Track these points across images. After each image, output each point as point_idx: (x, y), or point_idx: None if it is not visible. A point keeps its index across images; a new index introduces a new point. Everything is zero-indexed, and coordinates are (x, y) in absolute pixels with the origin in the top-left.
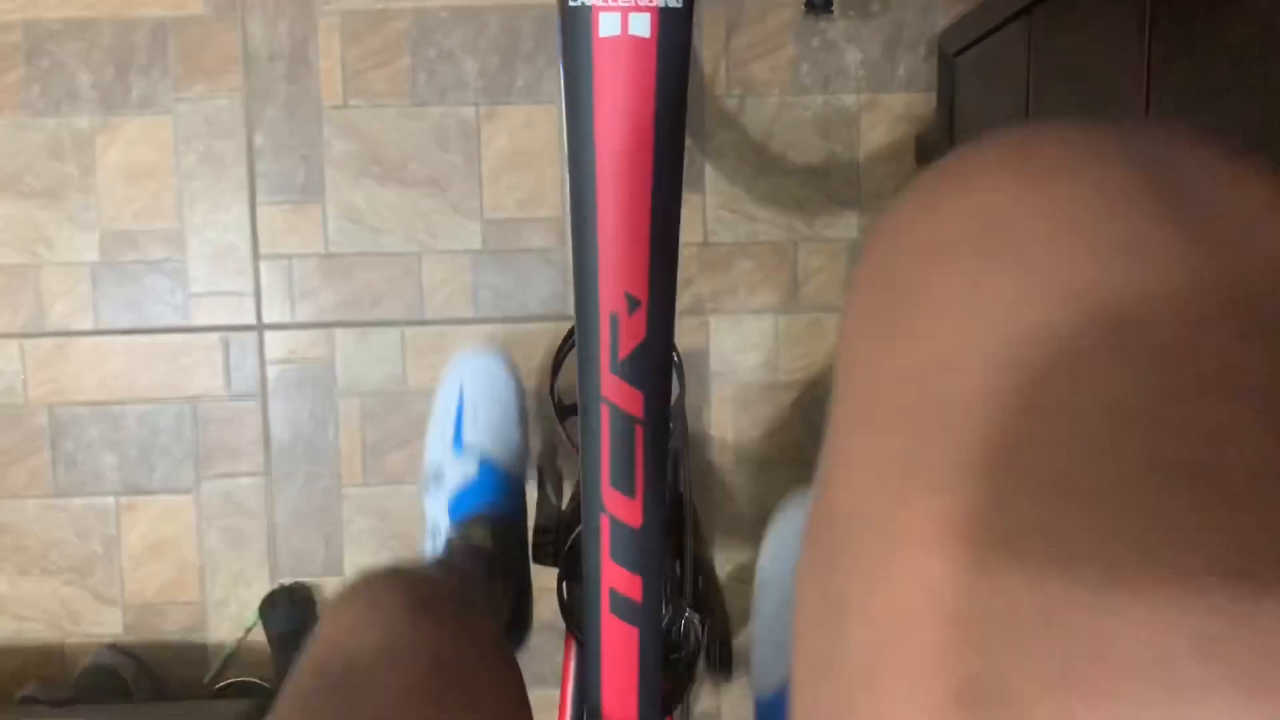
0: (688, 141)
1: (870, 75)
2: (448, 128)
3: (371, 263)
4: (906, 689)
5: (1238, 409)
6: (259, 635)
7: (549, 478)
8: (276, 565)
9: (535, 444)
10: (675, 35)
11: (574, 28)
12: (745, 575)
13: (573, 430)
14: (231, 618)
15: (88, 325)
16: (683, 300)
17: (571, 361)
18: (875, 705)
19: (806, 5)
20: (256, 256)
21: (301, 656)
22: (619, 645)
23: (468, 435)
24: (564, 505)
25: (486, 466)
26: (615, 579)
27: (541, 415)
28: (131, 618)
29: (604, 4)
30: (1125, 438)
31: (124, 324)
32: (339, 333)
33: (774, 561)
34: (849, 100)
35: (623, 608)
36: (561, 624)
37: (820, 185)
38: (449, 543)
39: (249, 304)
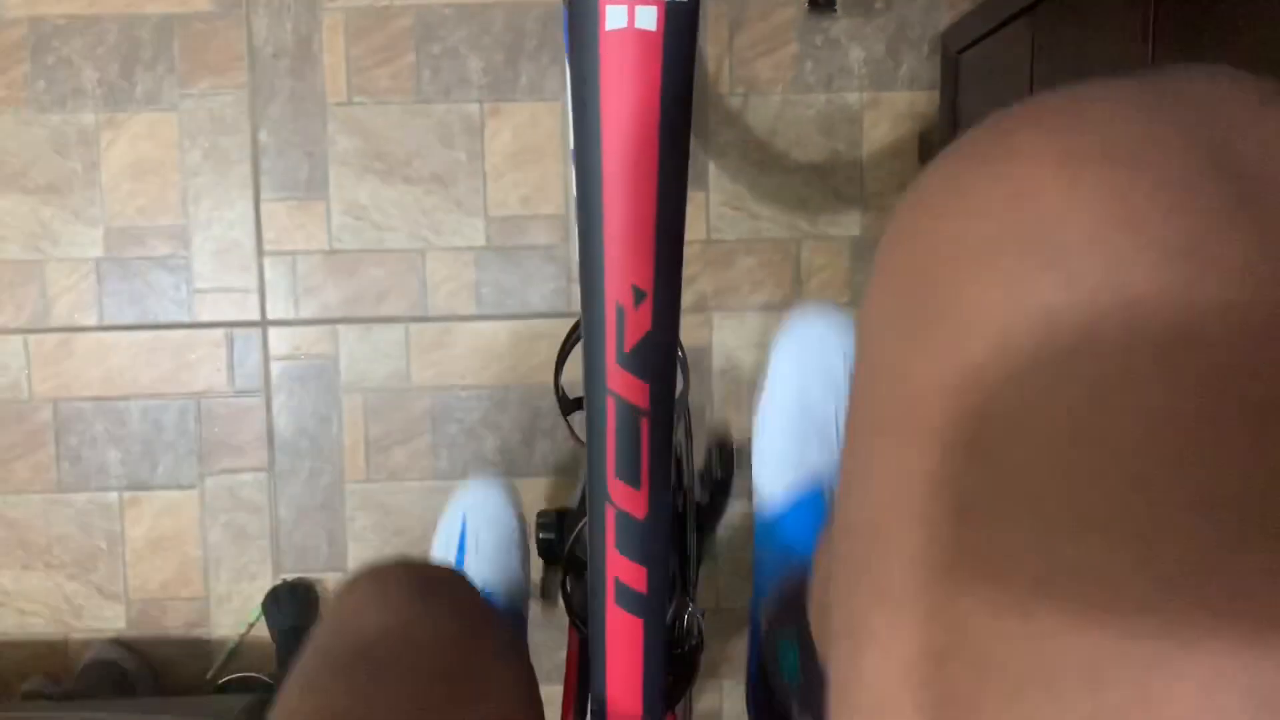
0: (691, 139)
1: (873, 73)
2: (451, 124)
3: (375, 259)
4: None
5: None
6: (262, 631)
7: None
8: (279, 561)
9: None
10: (682, 28)
11: (580, 21)
12: (746, 572)
13: (576, 424)
14: (234, 613)
15: (92, 321)
16: (686, 297)
17: (575, 357)
18: None
19: (810, 3)
20: (261, 253)
21: (310, 640)
22: (624, 636)
23: (469, 564)
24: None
25: (486, 595)
26: (620, 570)
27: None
28: (135, 613)
29: None
30: (1173, 472)
31: (128, 320)
32: (342, 329)
33: (781, 363)
34: (852, 98)
35: (627, 599)
36: (562, 621)
37: (823, 183)
38: None
39: (253, 300)
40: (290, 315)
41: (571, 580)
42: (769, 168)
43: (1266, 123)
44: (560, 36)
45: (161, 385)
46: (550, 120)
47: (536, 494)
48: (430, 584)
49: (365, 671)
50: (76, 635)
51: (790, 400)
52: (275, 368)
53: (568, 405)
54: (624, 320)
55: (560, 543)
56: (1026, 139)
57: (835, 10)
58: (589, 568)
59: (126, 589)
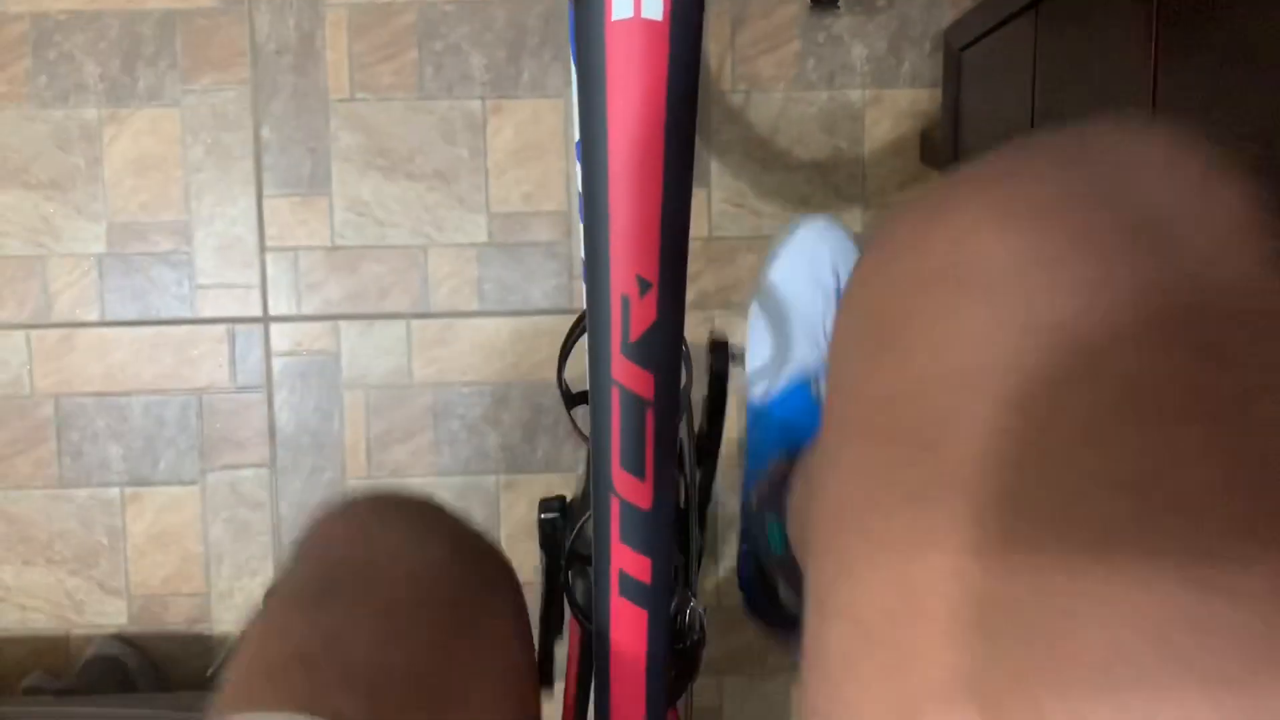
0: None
1: (875, 70)
2: (454, 121)
3: (377, 255)
4: (884, 683)
5: (1192, 430)
6: None
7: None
8: (281, 557)
9: None
10: (688, 18)
11: (586, 10)
12: None
13: (579, 418)
14: (236, 609)
15: (94, 316)
16: (688, 294)
17: (578, 351)
18: (856, 698)
19: (812, 0)
20: (263, 249)
21: (290, 564)
22: (628, 628)
23: None
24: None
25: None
26: (625, 561)
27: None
28: (136, 608)
29: None
30: (1094, 459)
31: (130, 315)
32: (344, 325)
33: (775, 272)
34: (854, 95)
35: (632, 589)
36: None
37: (825, 180)
38: None
39: (255, 296)
40: (292, 311)
41: (573, 574)
42: (771, 165)
43: (1162, 173)
44: (563, 30)
45: (163, 381)
46: (553, 117)
47: (537, 490)
48: (412, 512)
49: (362, 590)
50: (78, 631)
51: (782, 304)
52: (277, 364)
53: (571, 399)
54: (629, 311)
55: (563, 528)
56: (966, 195)
57: (837, 7)
58: (593, 559)
59: (128, 585)
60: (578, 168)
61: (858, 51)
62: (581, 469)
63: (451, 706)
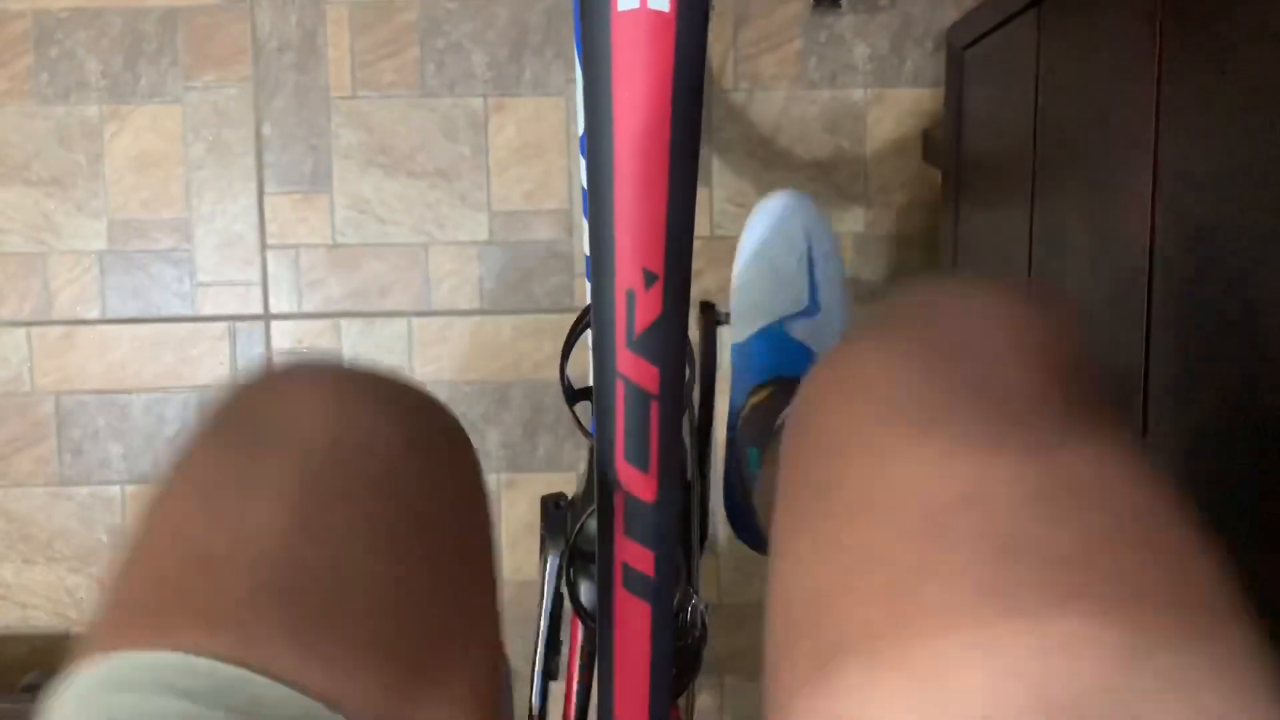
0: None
1: (878, 70)
2: (456, 119)
3: (378, 253)
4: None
5: (1025, 565)
6: None
7: None
8: None
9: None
10: (695, 9)
11: (592, 1)
12: (746, 567)
13: (581, 414)
14: None
15: (95, 314)
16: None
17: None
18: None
19: None
20: (264, 246)
21: (184, 448)
22: (632, 622)
23: None
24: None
25: None
26: (628, 554)
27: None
28: None
29: None
30: (959, 562)
31: (131, 313)
32: (345, 323)
33: (752, 238)
34: (856, 95)
35: (636, 583)
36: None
37: (827, 179)
38: None
39: (256, 294)
40: (293, 309)
41: (575, 571)
42: (773, 164)
43: (994, 328)
44: (566, 29)
45: (164, 379)
46: (554, 115)
47: (539, 489)
48: (355, 381)
49: (270, 487)
50: (78, 629)
51: (758, 260)
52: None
53: (573, 395)
54: (634, 304)
55: (566, 525)
56: (866, 348)
57: (840, 6)
58: (597, 553)
59: None
60: (582, 161)
61: (860, 50)
62: (583, 467)
63: (401, 624)
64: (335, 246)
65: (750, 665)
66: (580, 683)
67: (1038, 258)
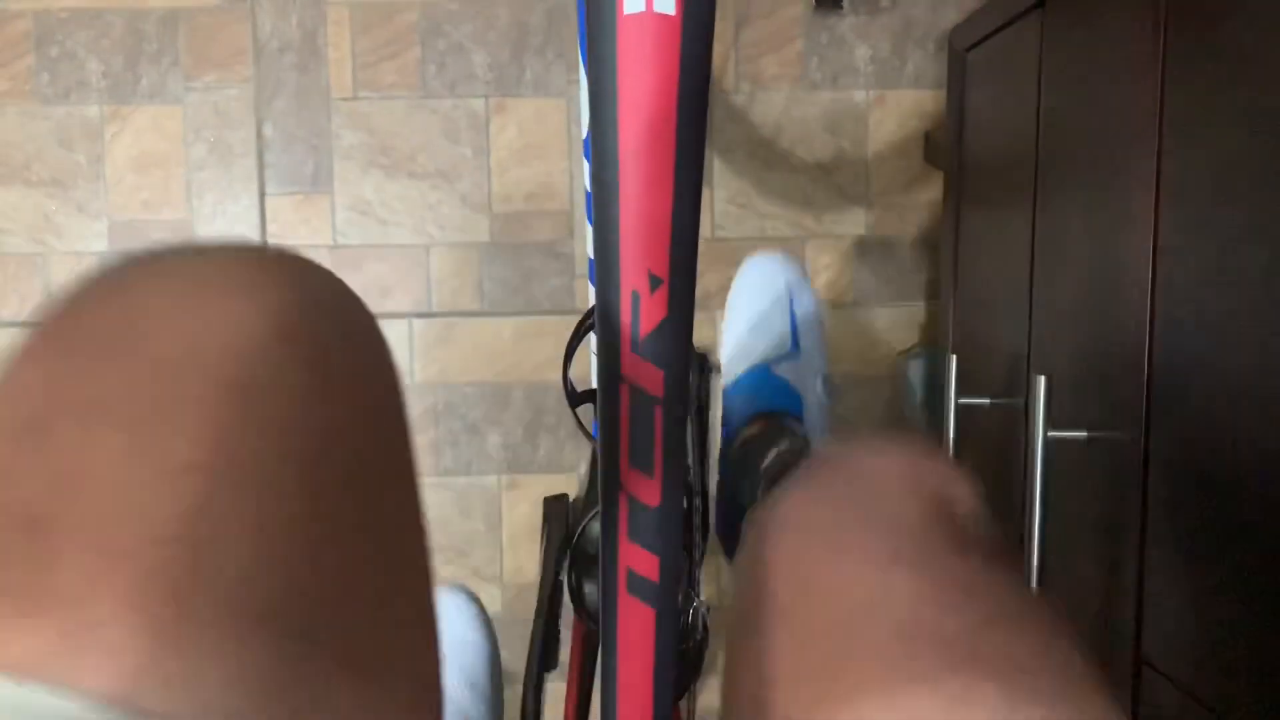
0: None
1: (879, 71)
2: (457, 120)
3: (379, 254)
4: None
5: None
6: None
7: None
8: None
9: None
10: (701, 12)
11: (597, 4)
12: None
13: (583, 417)
14: None
15: None
16: None
17: (582, 348)
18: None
19: (816, 0)
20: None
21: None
22: (635, 625)
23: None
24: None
25: None
26: (633, 558)
27: None
28: None
29: None
30: (871, 646)
31: None
32: None
33: (739, 294)
34: (858, 96)
35: (640, 587)
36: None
37: (829, 180)
38: None
39: None
40: None
41: (577, 574)
42: (774, 165)
43: (893, 479)
44: (567, 29)
45: None
46: (556, 116)
47: (540, 490)
48: (236, 268)
49: (113, 415)
50: None
51: (745, 314)
52: None
53: (575, 398)
54: (639, 307)
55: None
56: (794, 500)
57: (841, 8)
58: (601, 557)
59: None
60: (585, 164)
61: (862, 52)
62: (584, 468)
63: (288, 589)
64: (336, 247)
65: None
66: (581, 685)
67: (1039, 260)
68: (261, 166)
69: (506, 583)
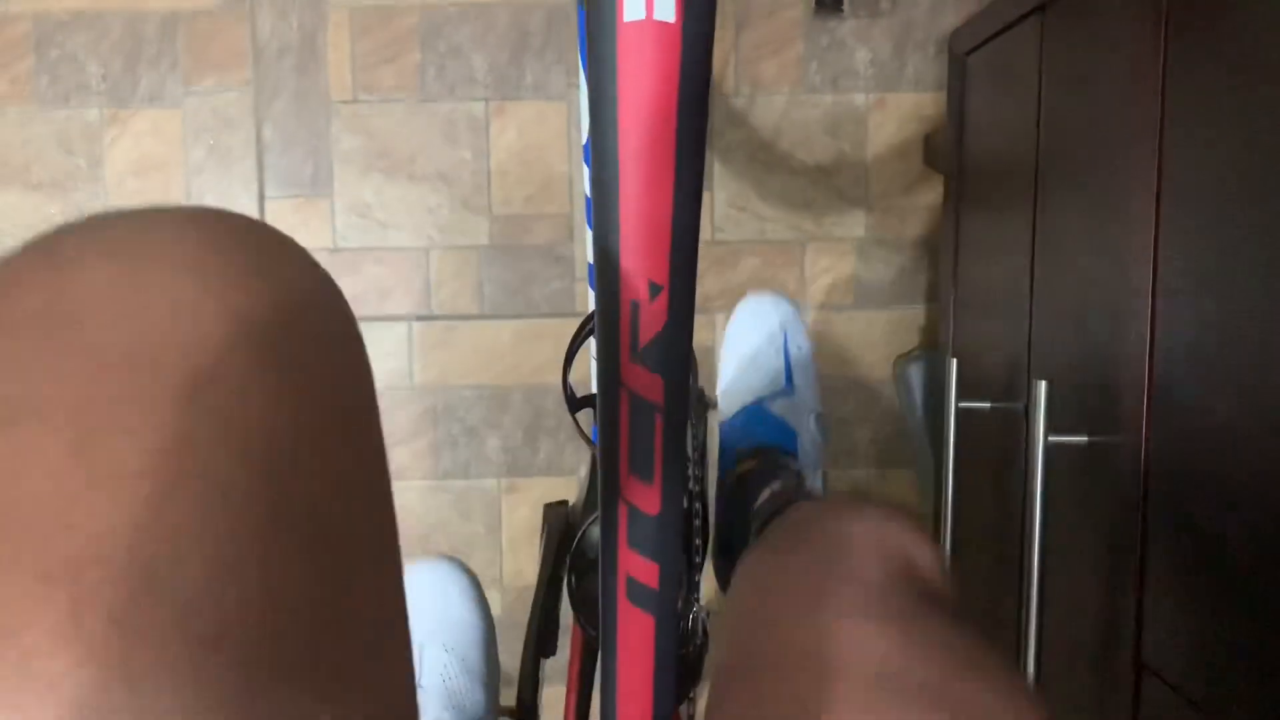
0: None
1: (879, 74)
2: (456, 123)
3: (379, 257)
4: None
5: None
6: None
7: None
8: None
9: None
10: (700, 19)
11: (597, 12)
12: None
13: (582, 422)
14: None
15: None
16: None
17: (582, 353)
18: None
19: (816, 4)
20: None
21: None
22: (635, 633)
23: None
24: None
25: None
26: (632, 566)
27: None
28: None
29: None
30: (845, 692)
31: None
32: None
33: (735, 333)
34: (858, 99)
35: (640, 595)
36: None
37: (828, 183)
38: None
39: None
40: None
41: (577, 579)
42: (774, 168)
43: (861, 540)
44: (566, 33)
45: None
46: (555, 119)
47: (539, 494)
48: (191, 244)
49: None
50: None
51: (741, 352)
52: None
53: (575, 403)
54: (639, 315)
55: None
56: (769, 560)
57: (842, 11)
58: (600, 564)
59: None
60: (585, 170)
61: (862, 55)
62: (583, 472)
63: (243, 610)
64: (336, 250)
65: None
66: (580, 691)
67: (1039, 263)
68: (261, 169)
69: (506, 586)
